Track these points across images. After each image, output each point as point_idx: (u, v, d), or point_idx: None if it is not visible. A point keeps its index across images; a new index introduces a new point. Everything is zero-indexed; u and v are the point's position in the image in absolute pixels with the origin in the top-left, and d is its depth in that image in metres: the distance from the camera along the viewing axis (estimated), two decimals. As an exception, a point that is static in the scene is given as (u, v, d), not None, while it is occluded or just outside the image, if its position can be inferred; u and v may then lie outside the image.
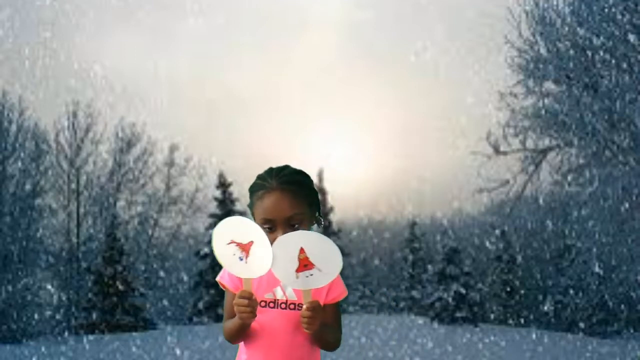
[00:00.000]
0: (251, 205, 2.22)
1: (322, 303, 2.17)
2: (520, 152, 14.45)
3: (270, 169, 2.23)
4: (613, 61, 12.42)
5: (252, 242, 2.05)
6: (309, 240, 2.05)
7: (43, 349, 15.61)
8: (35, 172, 22.92)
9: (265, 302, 2.17)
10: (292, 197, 2.15)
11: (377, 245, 42.00)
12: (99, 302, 22.57)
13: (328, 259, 2.06)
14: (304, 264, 2.05)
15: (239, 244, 2.06)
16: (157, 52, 43.59)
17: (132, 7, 40.68)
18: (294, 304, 2.18)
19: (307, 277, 2.06)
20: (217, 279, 2.26)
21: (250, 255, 2.06)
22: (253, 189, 2.21)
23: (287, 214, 2.12)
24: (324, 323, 2.17)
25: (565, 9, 13.23)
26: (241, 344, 2.23)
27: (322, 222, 2.29)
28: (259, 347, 2.17)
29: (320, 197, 26.16)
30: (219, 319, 24.93)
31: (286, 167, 2.24)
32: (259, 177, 2.22)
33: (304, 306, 2.08)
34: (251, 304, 2.04)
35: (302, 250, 2.04)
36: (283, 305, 2.17)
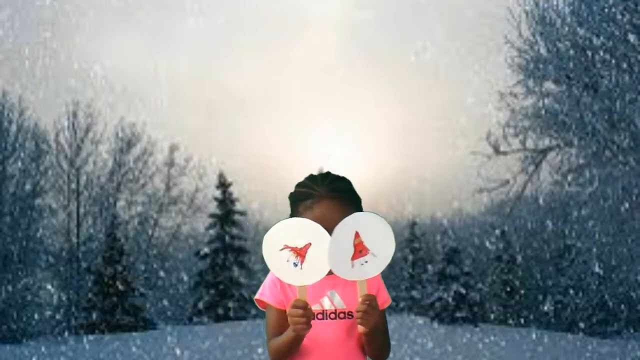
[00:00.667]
0: (295, 215, 2.13)
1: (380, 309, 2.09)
2: (520, 152, 14.45)
3: (314, 177, 2.15)
4: (613, 61, 12.42)
5: (309, 244, 1.98)
6: (364, 221, 1.99)
7: (43, 349, 15.60)
8: (35, 172, 22.92)
9: (314, 314, 2.06)
10: (343, 205, 2.08)
11: (377, 245, 41.86)
12: (99, 302, 22.57)
13: (381, 242, 2.00)
14: (359, 250, 1.98)
15: (293, 249, 1.98)
16: (157, 52, 43.59)
17: (132, 7, 40.68)
18: (344, 312, 2.10)
19: (362, 264, 1.99)
20: (256, 297, 2.17)
21: (306, 260, 1.98)
22: (298, 198, 2.13)
23: (339, 222, 2.03)
24: (380, 330, 2.09)
25: (565, 9, 13.24)
26: None
27: None
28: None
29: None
30: (219, 319, 24.94)
31: (328, 173, 2.17)
32: (303, 185, 2.14)
33: (360, 299, 1.99)
34: (306, 313, 1.95)
35: (357, 235, 1.98)
36: (332, 316, 2.08)
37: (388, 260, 2.01)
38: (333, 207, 2.07)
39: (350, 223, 1.99)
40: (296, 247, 1.98)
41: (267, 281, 2.18)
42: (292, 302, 1.98)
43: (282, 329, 2.08)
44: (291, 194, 2.17)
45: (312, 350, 2.07)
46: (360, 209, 2.16)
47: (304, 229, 1.98)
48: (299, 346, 2.04)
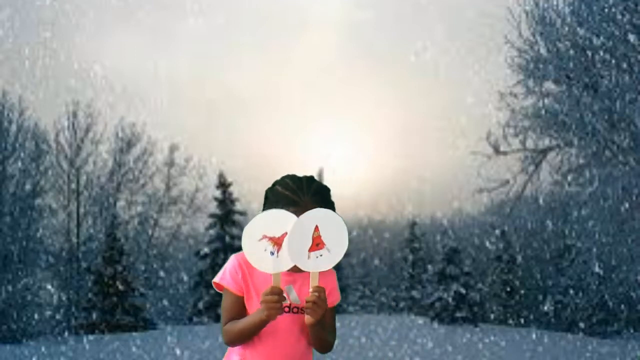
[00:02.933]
0: None
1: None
2: (520, 152, 14.44)
3: (297, 181, 2.21)
4: (613, 61, 12.42)
5: (286, 233, 2.07)
6: (325, 217, 2.08)
7: (43, 349, 15.61)
8: (35, 172, 22.92)
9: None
10: None
11: (377, 245, 42.00)
12: (99, 302, 22.57)
13: (337, 239, 2.09)
14: (316, 243, 2.08)
15: (271, 238, 2.08)
16: (157, 52, 43.61)
17: (132, 7, 40.70)
18: (298, 307, 2.19)
19: (317, 257, 2.08)
20: (216, 280, 2.24)
21: (282, 248, 2.08)
22: (280, 200, 2.18)
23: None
24: (324, 325, 2.20)
25: (565, 9, 13.23)
26: (239, 347, 2.22)
27: None
28: (260, 350, 2.17)
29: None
30: (219, 319, 24.93)
31: (312, 180, 2.24)
32: (286, 187, 2.19)
33: (310, 289, 2.08)
34: (281, 299, 2.05)
35: (316, 228, 2.07)
36: (287, 309, 2.17)
37: (339, 257, 2.10)
38: None
39: (313, 216, 2.08)
40: (274, 237, 2.08)
41: (227, 266, 2.25)
42: (269, 288, 2.06)
43: (238, 314, 2.18)
44: (271, 191, 2.22)
45: (265, 340, 2.17)
46: None
47: (282, 220, 2.07)
48: (260, 331, 2.14)
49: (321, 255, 2.08)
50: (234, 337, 2.17)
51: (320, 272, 2.13)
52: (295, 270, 2.15)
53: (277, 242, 2.07)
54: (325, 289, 2.17)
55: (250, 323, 2.11)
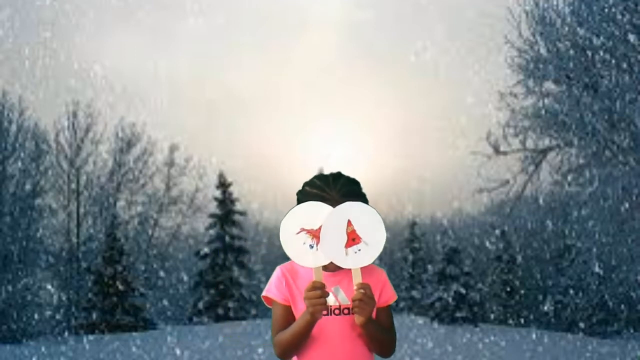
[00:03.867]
0: None
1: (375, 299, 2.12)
2: (520, 152, 14.44)
3: (326, 179, 2.17)
4: (613, 61, 12.41)
5: (322, 226, 2.02)
6: (356, 210, 2.03)
7: (43, 349, 15.60)
8: (35, 172, 22.92)
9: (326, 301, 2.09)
10: None
11: (377, 245, 41.86)
12: (99, 302, 22.57)
13: (373, 231, 2.03)
14: (352, 238, 2.02)
15: (309, 231, 2.02)
16: (157, 52, 43.60)
17: (132, 7, 40.68)
18: (348, 308, 2.10)
19: (355, 253, 2.02)
20: (263, 294, 2.18)
21: (321, 241, 2.02)
22: (310, 199, 2.13)
23: None
24: (379, 324, 2.11)
25: (565, 9, 13.23)
26: (294, 358, 2.13)
27: None
28: (317, 357, 2.08)
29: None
30: (219, 319, 24.94)
31: (339, 175, 2.19)
32: (315, 186, 2.15)
33: (355, 287, 2.01)
34: (324, 294, 1.98)
35: (349, 223, 2.02)
36: (337, 312, 2.10)
37: (380, 248, 2.05)
38: None
39: (342, 211, 2.02)
40: (312, 229, 2.02)
41: (272, 279, 2.20)
42: (310, 284, 1.99)
43: (287, 324, 2.10)
44: (301, 192, 2.18)
45: (319, 346, 2.08)
46: None
47: (318, 212, 2.02)
48: (308, 335, 2.05)
49: (359, 250, 2.02)
50: (285, 347, 2.07)
51: (365, 270, 2.06)
52: (340, 269, 2.09)
53: (316, 234, 2.02)
54: (374, 287, 2.11)
55: (298, 326, 2.03)
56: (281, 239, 2.03)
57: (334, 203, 2.08)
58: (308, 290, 1.98)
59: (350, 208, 2.02)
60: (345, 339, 2.08)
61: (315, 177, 2.19)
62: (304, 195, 2.16)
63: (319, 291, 1.97)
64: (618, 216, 13.23)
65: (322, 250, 2.01)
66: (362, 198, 2.16)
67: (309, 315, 1.99)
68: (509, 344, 16.69)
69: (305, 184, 2.19)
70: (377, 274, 2.19)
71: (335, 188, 2.12)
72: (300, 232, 2.02)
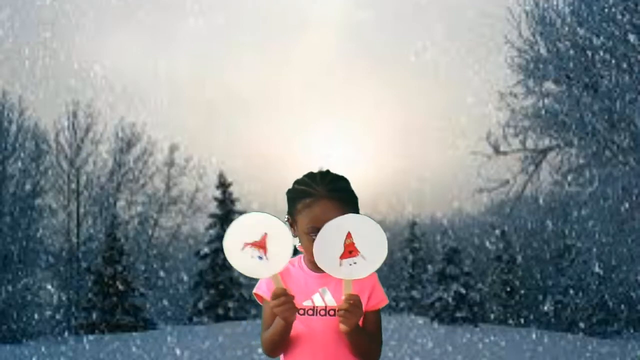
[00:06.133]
0: (293, 212, 2.14)
1: (363, 309, 2.10)
2: (520, 152, 14.44)
3: (313, 175, 2.16)
4: (613, 61, 12.42)
5: (265, 234, 2.00)
6: (358, 223, 2.00)
7: (43, 349, 15.60)
8: (35, 172, 22.92)
9: (304, 309, 2.10)
10: (341, 205, 2.10)
11: (377, 245, 41.86)
12: (99, 302, 22.57)
13: (374, 247, 2.01)
14: (349, 250, 2.00)
15: (253, 244, 2.01)
16: (157, 52, 43.59)
17: (132, 7, 40.69)
18: (334, 309, 2.10)
19: (350, 265, 2.00)
20: (254, 291, 2.19)
21: (268, 250, 2.00)
22: (296, 195, 2.14)
23: None
24: (365, 330, 2.11)
25: (565, 9, 13.23)
26: (281, 356, 2.15)
27: None
28: (300, 356, 2.10)
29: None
30: (218, 319, 24.94)
31: (328, 172, 2.18)
32: (302, 183, 2.15)
33: (343, 298, 2.01)
34: (288, 299, 1.98)
35: (349, 235, 1.99)
36: (322, 312, 2.10)
37: (378, 265, 2.02)
38: (332, 206, 2.08)
39: (344, 223, 2.00)
40: (255, 242, 2.00)
41: None
42: (272, 293, 2.00)
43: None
44: (289, 190, 2.18)
45: (303, 345, 2.09)
46: (357, 210, 2.17)
47: (256, 223, 2.01)
48: (288, 335, 2.06)
49: (355, 263, 2.00)
50: (267, 346, 2.11)
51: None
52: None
53: (260, 245, 2.00)
54: (364, 290, 2.10)
55: (275, 329, 2.05)
56: (228, 260, 2.03)
57: (318, 198, 2.08)
58: (271, 299, 1.99)
59: (352, 220, 2.00)
60: (329, 340, 2.08)
61: (305, 174, 2.19)
62: (291, 192, 2.17)
63: (282, 298, 1.97)
64: (618, 216, 13.23)
65: (276, 257, 2.01)
66: (350, 194, 2.15)
67: (282, 320, 2.01)
68: (509, 344, 16.68)
69: (295, 182, 2.18)
70: (368, 277, 2.15)
71: (322, 183, 2.11)
72: (245, 247, 2.01)
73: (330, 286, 2.13)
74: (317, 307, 2.11)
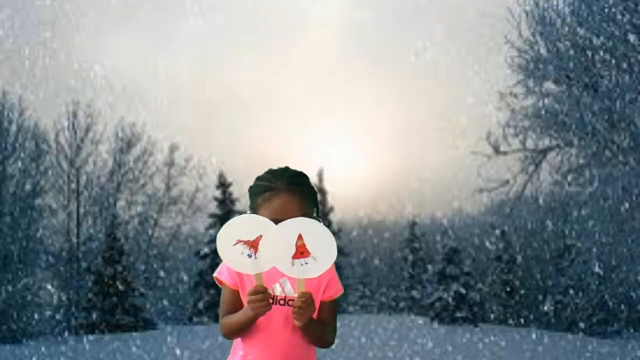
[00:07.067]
0: (254, 207, 2.24)
1: (318, 300, 2.22)
2: (520, 152, 14.44)
3: (272, 171, 2.26)
4: (613, 61, 12.42)
5: (260, 236, 2.09)
6: (308, 227, 2.09)
7: (43, 349, 15.60)
8: (35, 172, 22.92)
9: (273, 296, 2.19)
10: (300, 198, 2.20)
11: (377, 245, 41.98)
12: (99, 302, 22.57)
13: (324, 249, 2.10)
14: (300, 251, 2.09)
15: (246, 242, 2.10)
16: (157, 52, 43.62)
17: (132, 7, 40.72)
18: (293, 300, 2.19)
19: (302, 265, 2.10)
20: (215, 275, 2.28)
21: (259, 250, 2.10)
22: (257, 190, 2.23)
23: (296, 215, 2.15)
24: (319, 320, 2.22)
25: (565, 9, 13.23)
26: (237, 339, 2.26)
27: (321, 222, 2.30)
28: (257, 342, 2.20)
29: (320, 197, 25.99)
30: (218, 319, 24.92)
31: (287, 168, 2.29)
32: (262, 178, 2.25)
33: (295, 295, 2.12)
34: (266, 297, 2.08)
35: (300, 237, 2.09)
36: (282, 302, 2.19)
37: (328, 266, 2.12)
38: (291, 200, 2.19)
39: (294, 225, 2.10)
40: (248, 240, 2.10)
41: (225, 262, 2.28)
42: (252, 288, 2.09)
43: (235, 307, 2.22)
44: (251, 186, 2.28)
45: (261, 332, 2.19)
46: (315, 204, 2.27)
47: (254, 223, 2.10)
48: (251, 326, 2.18)
49: (306, 263, 2.10)
50: (228, 331, 2.22)
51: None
52: None
53: (253, 244, 2.09)
54: (320, 281, 2.21)
55: (241, 319, 2.16)
56: (219, 250, 2.12)
57: (278, 192, 2.18)
58: (250, 294, 2.09)
59: (303, 223, 2.10)
60: (286, 328, 2.19)
61: (265, 171, 2.29)
62: (253, 187, 2.26)
63: (261, 295, 2.08)
64: (618, 216, 13.23)
65: (265, 258, 2.10)
66: (308, 188, 2.25)
67: (252, 314, 2.12)
68: (509, 344, 16.69)
69: (256, 178, 2.29)
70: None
71: (282, 178, 2.21)
72: (237, 243, 2.10)
73: (291, 278, 2.21)
74: (276, 296, 2.20)
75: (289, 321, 2.17)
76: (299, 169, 2.31)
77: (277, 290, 2.20)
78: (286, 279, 2.19)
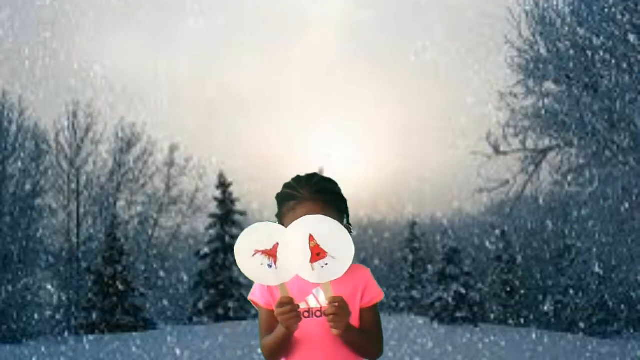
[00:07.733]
0: (280, 215, 2.15)
1: (357, 307, 2.10)
2: (520, 152, 14.44)
3: (299, 178, 2.16)
4: (613, 61, 12.42)
5: (277, 244, 1.99)
6: (316, 224, 1.98)
7: (43, 349, 15.60)
8: (35, 172, 22.93)
9: (299, 307, 2.07)
10: (324, 207, 2.09)
11: (377, 245, 41.98)
12: (99, 302, 22.57)
13: (339, 244, 1.99)
14: (316, 253, 1.98)
15: (264, 252, 1.99)
16: (157, 52, 43.63)
17: (132, 7, 40.73)
18: None
19: (322, 267, 1.98)
20: (249, 297, 2.20)
21: (278, 259, 1.99)
22: (283, 199, 2.14)
23: None
24: (361, 328, 2.10)
25: (565, 9, 13.23)
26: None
27: (352, 229, 2.20)
28: (299, 359, 2.09)
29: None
30: (218, 319, 24.94)
31: (315, 175, 2.18)
32: (288, 186, 2.15)
33: (327, 301, 1.99)
34: (293, 308, 1.97)
35: (311, 238, 1.97)
36: (318, 314, 2.08)
37: (349, 262, 2.00)
38: (314, 209, 2.07)
39: (301, 226, 1.98)
40: (266, 250, 1.99)
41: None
42: (278, 301, 1.99)
43: (272, 328, 2.10)
44: (278, 194, 2.18)
45: (301, 348, 2.08)
46: (345, 212, 2.16)
47: (269, 231, 2.00)
48: (289, 342, 2.06)
49: (326, 264, 1.97)
50: (268, 352, 2.11)
51: (347, 275, 2.02)
52: None
53: (272, 254, 1.99)
54: (356, 288, 2.10)
55: (276, 337, 2.05)
56: (238, 263, 2.01)
57: (302, 201, 2.08)
58: (277, 307, 1.98)
59: (309, 222, 1.98)
60: (326, 341, 2.06)
61: (293, 178, 2.18)
62: (279, 195, 2.16)
63: (288, 307, 1.96)
64: (618, 216, 13.23)
65: (285, 267, 1.99)
66: (335, 195, 2.14)
67: (284, 329, 2.00)
68: (509, 344, 16.68)
69: (283, 185, 2.18)
70: (360, 274, 2.14)
71: (307, 185, 2.11)
72: (256, 254, 2.00)
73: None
74: (312, 308, 2.09)
75: (330, 333, 2.02)
76: (327, 176, 2.20)
77: (312, 302, 2.09)
78: (319, 289, 2.07)
